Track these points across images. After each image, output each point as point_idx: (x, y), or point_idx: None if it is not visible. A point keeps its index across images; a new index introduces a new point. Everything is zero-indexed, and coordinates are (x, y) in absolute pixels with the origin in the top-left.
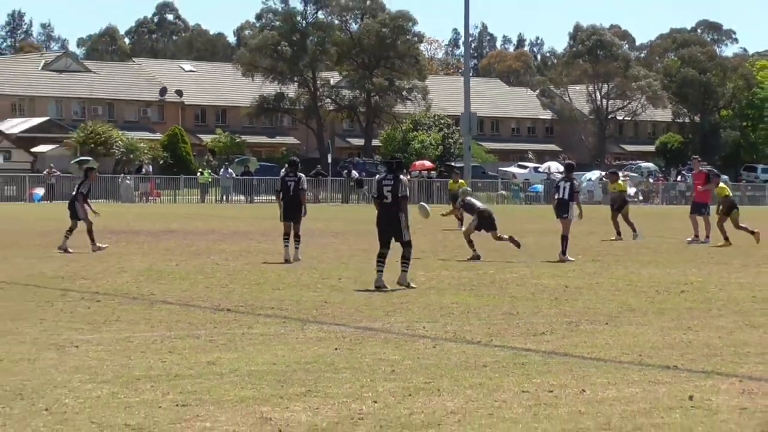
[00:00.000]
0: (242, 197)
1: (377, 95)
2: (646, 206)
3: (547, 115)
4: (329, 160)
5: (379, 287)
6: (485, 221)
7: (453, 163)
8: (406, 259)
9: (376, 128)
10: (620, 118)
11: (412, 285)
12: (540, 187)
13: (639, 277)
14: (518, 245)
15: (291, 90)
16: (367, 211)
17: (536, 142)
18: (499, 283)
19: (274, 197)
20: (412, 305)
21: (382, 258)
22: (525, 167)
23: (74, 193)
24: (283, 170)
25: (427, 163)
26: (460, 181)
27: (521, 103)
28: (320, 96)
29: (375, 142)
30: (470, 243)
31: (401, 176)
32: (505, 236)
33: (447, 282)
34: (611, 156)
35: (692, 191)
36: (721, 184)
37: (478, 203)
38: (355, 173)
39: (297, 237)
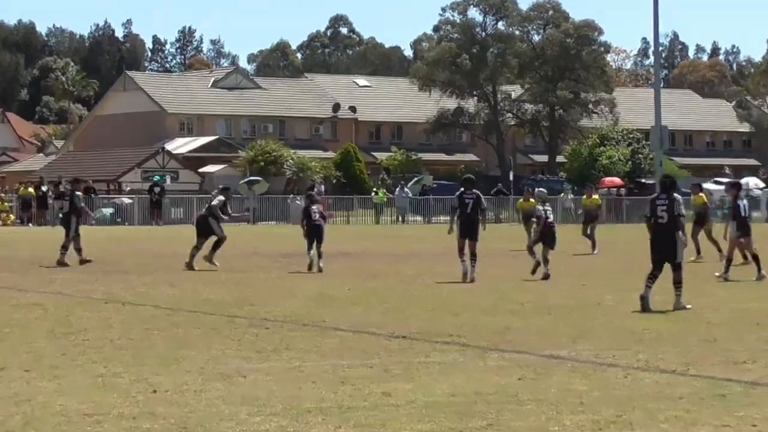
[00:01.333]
0: (419, 218)
1: (561, 109)
2: None
3: (744, 127)
4: (511, 178)
5: (644, 298)
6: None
7: (643, 180)
8: (678, 283)
9: (560, 144)
10: None
11: (688, 306)
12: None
13: None
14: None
15: (470, 104)
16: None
17: (733, 156)
18: (693, 307)
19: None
20: (601, 331)
21: (652, 279)
22: (721, 183)
23: (209, 208)
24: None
25: (617, 180)
26: (531, 200)
27: (716, 115)
28: (501, 110)
29: (559, 158)
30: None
31: (675, 194)
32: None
33: (636, 306)
34: None
35: None
36: None
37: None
38: (537, 191)
39: (473, 256)
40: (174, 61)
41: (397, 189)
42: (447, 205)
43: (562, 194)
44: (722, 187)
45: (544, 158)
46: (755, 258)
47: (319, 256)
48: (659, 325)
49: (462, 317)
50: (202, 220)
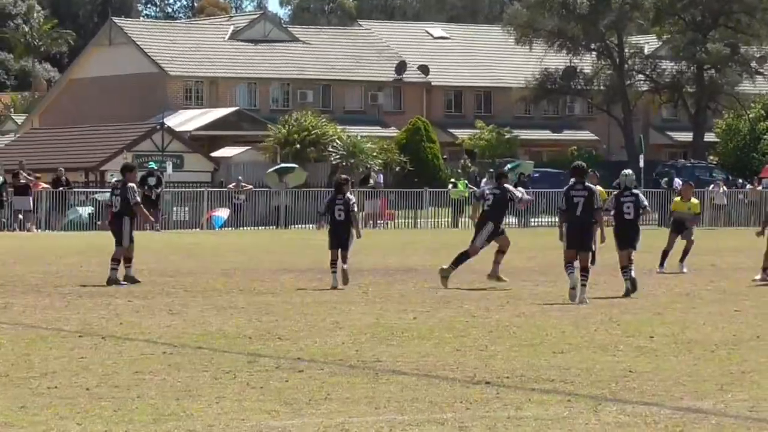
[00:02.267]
0: (513, 219)
1: (713, 68)
2: None
3: None
4: (641, 163)
5: None
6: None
7: None
8: None
9: (711, 117)
10: None
11: None
12: None
13: None
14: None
15: (586, 63)
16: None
17: None
18: None
19: (557, 219)
20: (760, 375)
21: None
22: None
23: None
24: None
25: None
26: (693, 200)
27: None
28: (629, 71)
29: (708, 137)
30: None
31: None
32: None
33: None
34: None
35: None
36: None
37: None
38: (678, 182)
39: (584, 270)
40: (178, 5)
41: (484, 179)
42: (553, 202)
43: (712, 186)
44: None
45: (688, 136)
46: None
47: (343, 260)
48: None
49: (569, 356)
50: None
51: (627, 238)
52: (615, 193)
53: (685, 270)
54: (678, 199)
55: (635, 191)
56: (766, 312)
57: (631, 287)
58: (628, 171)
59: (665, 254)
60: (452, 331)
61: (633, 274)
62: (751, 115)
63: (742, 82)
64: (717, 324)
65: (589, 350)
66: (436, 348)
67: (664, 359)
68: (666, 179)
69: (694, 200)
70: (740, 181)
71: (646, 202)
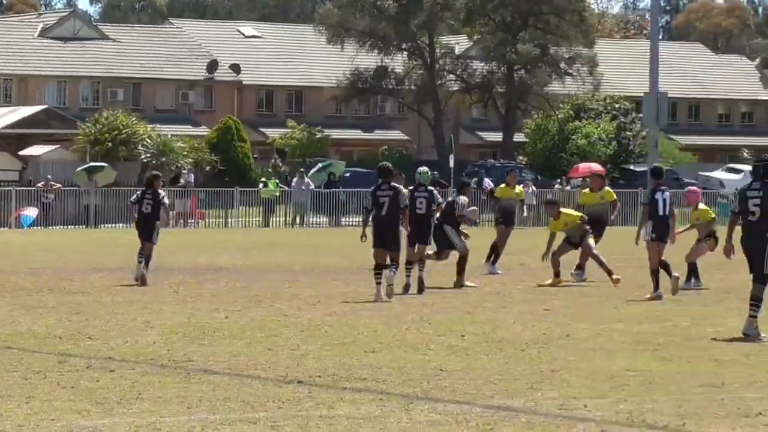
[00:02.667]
0: (324, 219)
1: (523, 69)
2: None
3: None
4: (451, 163)
5: (748, 335)
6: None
7: (632, 166)
8: (756, 301)
9: (521, 117)
10: None
11: (762, 337)
12: None
13: None
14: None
15: (398, 63)
16: (519, 238)
17: (755, 134)
18: (696, 340)
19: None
20: (569, 373)
21: (755, 302)
22: (738, 171)
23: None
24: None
25: (596, 166)
26: (519, 188)
27: (734, 77)
28: (439, 70)
29: (518, 137)
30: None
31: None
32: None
33: (620, 339)
34: None
35: None
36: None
37: None
38: (488, 182)
39: (393, 261)
40: None
41: (295, 179)
42: (362, 202)
43: (521, 185)
44: (739, 177)
45: (498, 136)
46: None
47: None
48: (649, 365)
49: (380, 355)
50: None
51: (419, 234)
52: (410, 188)
53: (495, 272)
54: (504, 186)
55: (430, 188)
56: (576, 311)
57: (418, 288)
58: (424, 168)
59: (494, 248)
60: (264, 331)
61: (423, 274)
62: (560, 116)
63: (551, 82)
64: (527, 323)
65: (400, 349)
66: (247, 347)
67: (475, 358)
68: (476, 179)
69: (519, 188)
70: (558, 180)
71: (440, 199)
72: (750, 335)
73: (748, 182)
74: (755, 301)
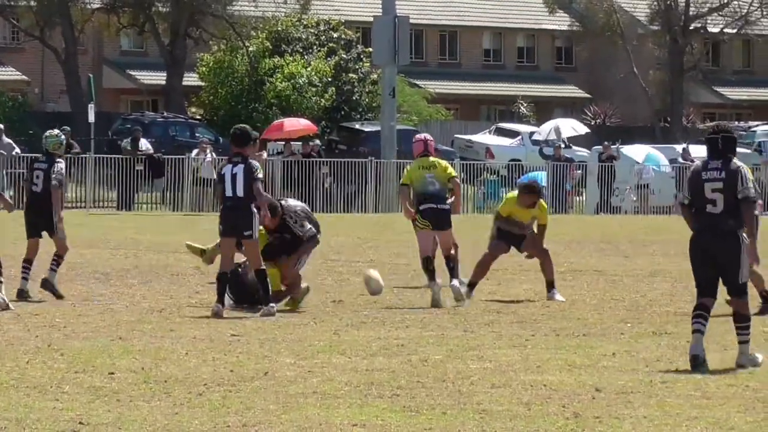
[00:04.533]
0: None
1: None
2: None
3: (559, 23)
4: (91, 118)
5: (698, 365)
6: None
7: (358, 125)
8: (745, 321)
9: (192, 50)
10: (714, 30)
11: (758, 361)
12: (542, 175)
13: None
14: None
15: None
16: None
17: (536, 82)
18: (454, 381)
19: None
20: (270, 430)
21: (701, 312)
22: (513, 134)
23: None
24: None
25: (303, 122)
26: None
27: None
28: None
29: (191, 79)
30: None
31: (735, 161)
32: None
33: (343, 379)
34: (694, 110)
35: None
36: None
37: None
38: (146, 144)
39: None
40: None
41: None
42: None
43: (195, 152)
44: (514, 142)
45: (160, 78)
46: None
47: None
48: (385, 416)
49: None
50: None
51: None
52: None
53: None
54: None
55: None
56: (280, 337)
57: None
58: (54, 131)
59: None
60: None
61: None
62: (251, 48)
63: (236, 1)
64: (206, 354)
65: (19, 392)
66: None
67: (131, 406)
68: (131, 139)
69: None
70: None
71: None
72: (745, 365)
73: (702, 161)
74: (743, 323)
